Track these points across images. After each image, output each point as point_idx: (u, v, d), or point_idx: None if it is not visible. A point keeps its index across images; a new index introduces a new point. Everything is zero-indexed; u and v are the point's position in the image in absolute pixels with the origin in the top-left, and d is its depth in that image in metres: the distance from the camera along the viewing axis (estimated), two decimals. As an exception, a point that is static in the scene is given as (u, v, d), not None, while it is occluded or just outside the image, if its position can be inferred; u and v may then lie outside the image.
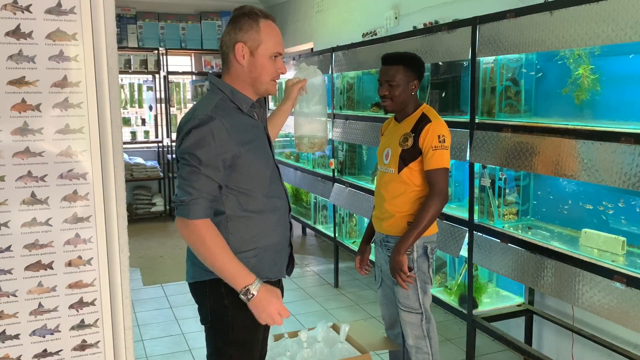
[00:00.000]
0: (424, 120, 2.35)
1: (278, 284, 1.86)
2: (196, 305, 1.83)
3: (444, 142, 2.31)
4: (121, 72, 6.58)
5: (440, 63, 3.27)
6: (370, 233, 2.67)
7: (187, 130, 1.62)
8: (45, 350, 1.18)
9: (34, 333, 1.17)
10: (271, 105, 6.22)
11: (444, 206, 2.35)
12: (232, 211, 1.70)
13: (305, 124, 2.14)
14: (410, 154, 2.35)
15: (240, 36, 1.68)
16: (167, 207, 7.00)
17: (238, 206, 1.70)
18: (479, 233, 2.83)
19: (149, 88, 7.04)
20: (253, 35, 1.67)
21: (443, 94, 3.31)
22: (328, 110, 4.56)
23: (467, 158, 2.81)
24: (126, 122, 6.87)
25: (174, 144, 5.47)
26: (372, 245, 2.69)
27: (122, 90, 6.74)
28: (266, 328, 1.95)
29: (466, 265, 2.98)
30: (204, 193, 1.59)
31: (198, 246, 1.62)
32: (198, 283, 1.79)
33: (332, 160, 4.46)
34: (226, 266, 1.61)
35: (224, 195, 1.68)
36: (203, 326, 1.82)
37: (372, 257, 2.73)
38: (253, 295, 1.60)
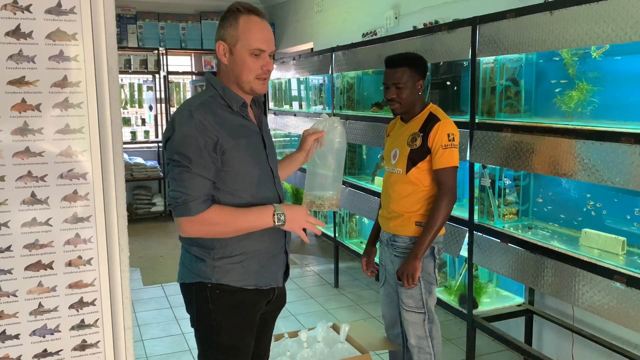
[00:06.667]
0: (432, 119, 2.34)
1: (270, 293, 1.80)
2: None
3: (454, 140, 2.30)
4: (121, 72, 6.58)
5: (441, 63, 3.27)
6: (375, 234, 2.66)
7: (171, 127, 1.61)
8: (45, 350, 1.18)
9: (34, 333, 1.17)
10: (271, 104, 6.22)
11: (453, 205, 2.34)
12: None
13: (315, 180, 1.93)
14: (418, 154, 2.34)
15: (221, 34, 1.66)
16: (167, 207, 7.00)
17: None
18: (479, 233, 2.83)
19: (149, 88, 7.04)
20: (232, 32, 1.63)
21: (443, 94, 3.31)
22: (328, 110, 4.58)
23: (467, 158, 2.81)
24: (126, 122, 6.87)
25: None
26: (378, 245, 2.69)
27: (122, 90, 6.74)
28: (264, 332, 1.91)
29: (466, 265, 2.98)
30: (200, 193, 1.57)
31: (214, 229, 1.62)
32: (185, 285, 1.77)
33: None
34: (247, 221, 1.64)
35: None
36: None
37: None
38: (284, 218, 1.66)
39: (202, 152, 1.57)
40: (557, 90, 2.65)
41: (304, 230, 1.72)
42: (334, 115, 4.35)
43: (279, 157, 1.96)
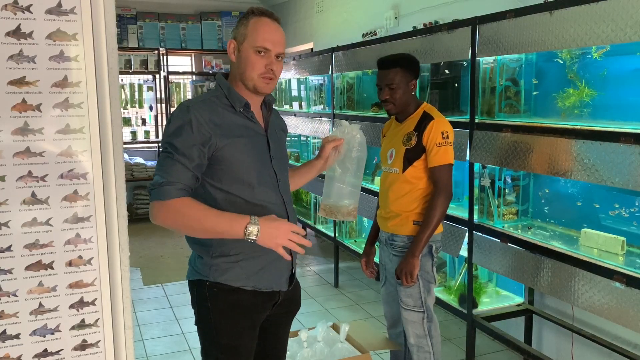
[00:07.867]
0: (426, 118, 2.36)
1: (274, 296, 1.77)
2: None
3: (448, 138, 2.32)
4: (121, 72, 6.58)
5: (441, 63, 3.27)
6: (374, 234, 2.67)
7: (169, 120, 1.65)
8: (45, 350, 1.18)
9: (34, 333, 1.17)
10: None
11: (449, 202, 2.36)
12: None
13: (332, 188, 1.87)
14: (414, 153, 2.36)
15: (233, 34, 1.72)
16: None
17: (216, 205, 1.64)
18: (478, 233, 2.83)
19: (149, 88, 7.04)
20: (242, 31, 1.69)
21: (443, 94, 3.31)
22: (328, 110, 4.58)
23: (467, 158, 2.81)
24: (126, 122, 6.87)
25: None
26: (377, 245, 2.69)
27: (122, 90, 6.74)
28: (279, 336, 1.89)
29: (466, 265, 2.98)
30: (177, 180, 1.56)
31: (181, 220, 1.56)
32: (189, 282, 1.78)
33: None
34: (217, 223, 1.55)
35: (206, 192, 1.66)
36: None
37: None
38: (257, 232, 1.53)
39: (189, 144, 1.58)
40: (557, 90, 2.65)
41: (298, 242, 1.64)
42: (334, 115, 4.36)
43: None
